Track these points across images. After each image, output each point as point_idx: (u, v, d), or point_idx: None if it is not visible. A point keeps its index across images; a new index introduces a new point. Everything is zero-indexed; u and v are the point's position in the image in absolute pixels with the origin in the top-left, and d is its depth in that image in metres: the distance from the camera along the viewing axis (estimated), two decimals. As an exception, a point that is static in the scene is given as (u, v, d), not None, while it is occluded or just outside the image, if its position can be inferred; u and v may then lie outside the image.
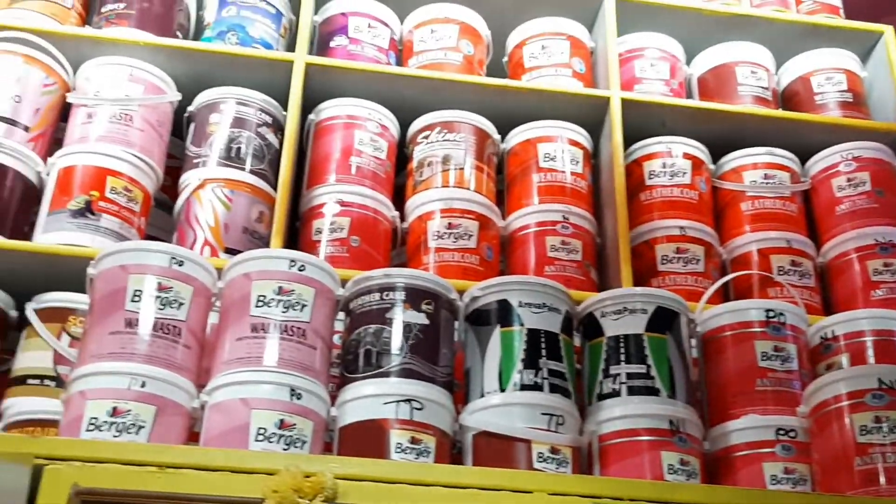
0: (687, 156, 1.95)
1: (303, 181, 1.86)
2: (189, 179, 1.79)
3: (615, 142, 1.89)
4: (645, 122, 1.97)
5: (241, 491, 1.13)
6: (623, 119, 1.93)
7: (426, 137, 1.89)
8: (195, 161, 1.81)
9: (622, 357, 1.48)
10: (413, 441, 1.37)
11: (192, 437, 1.38)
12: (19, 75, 1.75)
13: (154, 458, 1.15)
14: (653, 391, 1.45)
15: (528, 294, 1.49)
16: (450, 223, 1.77)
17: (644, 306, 1.51)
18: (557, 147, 1.90)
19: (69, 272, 1.59)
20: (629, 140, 1.94)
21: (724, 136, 2.01)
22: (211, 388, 1.38)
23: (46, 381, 1.56)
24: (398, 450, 1.35)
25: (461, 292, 1.54)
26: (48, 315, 1.60)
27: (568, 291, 1.53)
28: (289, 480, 1.11)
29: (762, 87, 2.10)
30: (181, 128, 1.89)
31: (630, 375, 1.47)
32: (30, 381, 1.56)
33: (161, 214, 1.86)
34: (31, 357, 1.58)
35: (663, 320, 1.51)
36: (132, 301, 1.40)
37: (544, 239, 1.79)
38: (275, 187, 1.81)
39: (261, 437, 1.33)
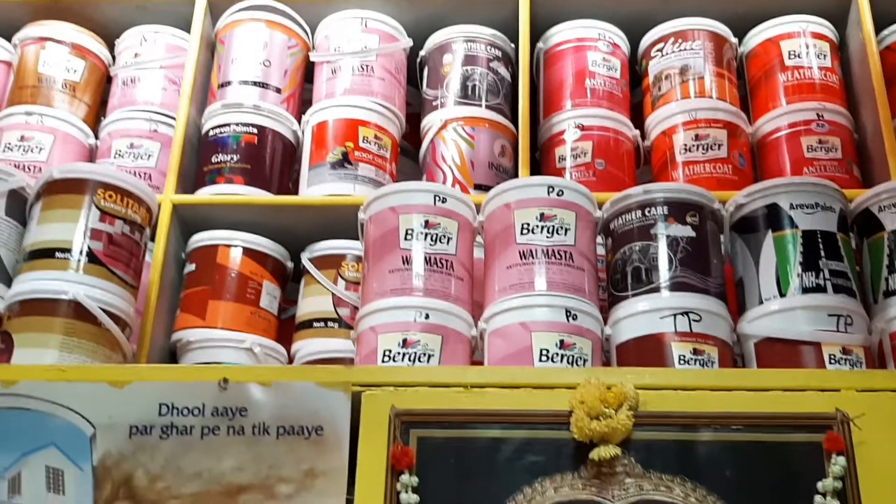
0: (946, 34, 1.81)
1: (538, 111, 1.87)
2: (431, 122, 1.83)
3: (865, 29, 1.77)
4: (892, 4, 1.84)
5: (546, 405, 1.17)
6: (870, 3, 1.81)
7: (660, 50, 1.84)
8: (433, 103, 1.86)
9: (907, 250, 1.41)
10: (695, 352, 1.36)
11: (474, 364, 1.44)
12: (265, 41, 1.85)
13: (459, 379, 1.21)
14: (945, 283, 1.38)
15: (798, 195, 1.44)
16: (696, 134, 1.73)
17: (925, 196, 1.43)
18: (801, 43, 1.80)
19: (336, 221, 1.68)
20: (877, 26, 1.81)
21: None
22: (489, 316, 1.43)
23: (330, 324, 1.66)
24: (681, 362, 1.35)
25: (722, 202, 1.51)
26: (322, 263, 1.71)
27: (840, 189, 1.47)
28: (594, 392, 1.14)
29: None
30: (413, 73, 1.95)
31: (918, 268, 1.40)
32: (315, 324, 1.67)
33: (404, 160, 1.92)
34: (312, 303, 1.69)
35: (948, 208, 1.42)
36: (405, 239, 1.46)
37: (799, 140, 1.71)
38: (511, 120, 1.83)
39: (544, 358, 1.36)
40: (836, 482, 1.07)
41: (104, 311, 1.42)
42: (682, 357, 1.35)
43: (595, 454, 1.12)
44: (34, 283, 1.42)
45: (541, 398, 1.18)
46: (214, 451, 1.19)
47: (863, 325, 1.38)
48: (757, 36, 1.84)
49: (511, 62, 1.90)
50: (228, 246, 1.69)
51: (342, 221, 1.66)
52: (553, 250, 1.44)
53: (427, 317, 1.41)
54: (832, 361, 1.32)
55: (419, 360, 1.38)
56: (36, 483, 1.18)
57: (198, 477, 1.18)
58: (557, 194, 1.47)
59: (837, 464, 1.08)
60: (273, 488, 1.17)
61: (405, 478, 1.13)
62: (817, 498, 1.08)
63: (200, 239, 1.70)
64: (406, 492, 1.13)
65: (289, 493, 1.16)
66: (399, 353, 1.38)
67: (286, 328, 1.73)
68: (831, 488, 1.07)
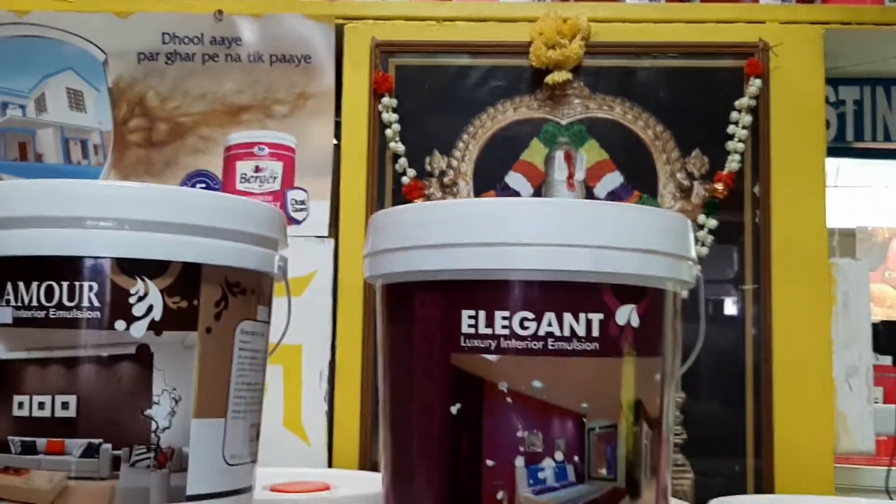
0: None
1: None
2: None
3: None
4: None
5: (509, 36, 1.32)
6: None
7: None
8: None
9: None
10: None
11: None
12: None
13: (433, 13, 1.34)
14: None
15: None
16: None
17: None
18: None
19: None
20: None
21: None
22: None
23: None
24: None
25: None
26: None
27: None
28: (551, 24, 1.29)
29: None
30: None
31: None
32: None
33: None
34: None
35: None
36: None
37: None
38: None
39: None
40: (750, 100, 1.27)
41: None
42: None
43: (549, 79, 1.30)
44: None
45: (505, 30, 1.33)
46: (216, 76, 1.34)
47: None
48: None
49: None
50: None
51: None
52: None
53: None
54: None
55: None
56: (59, 102, 1.33)
57: (203, 98, 1.34)
58: None
59: (754, 85, 1.27)
60: (270, 108, 1.34)
61: (386, 100, 1.31)
62: (733, 114, 1.28)
63: None
64: (387, 112, 1.31)
65: (284, 113, 1.34)
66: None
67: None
68: (746, 105, 1.27)
